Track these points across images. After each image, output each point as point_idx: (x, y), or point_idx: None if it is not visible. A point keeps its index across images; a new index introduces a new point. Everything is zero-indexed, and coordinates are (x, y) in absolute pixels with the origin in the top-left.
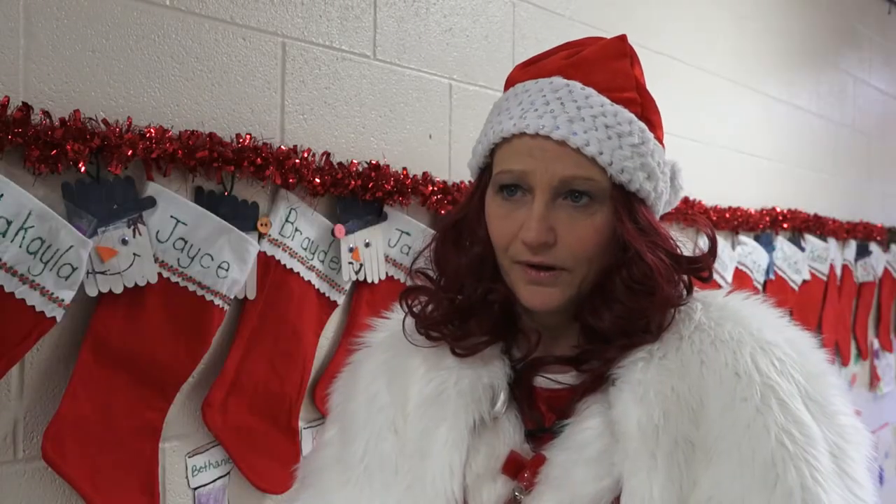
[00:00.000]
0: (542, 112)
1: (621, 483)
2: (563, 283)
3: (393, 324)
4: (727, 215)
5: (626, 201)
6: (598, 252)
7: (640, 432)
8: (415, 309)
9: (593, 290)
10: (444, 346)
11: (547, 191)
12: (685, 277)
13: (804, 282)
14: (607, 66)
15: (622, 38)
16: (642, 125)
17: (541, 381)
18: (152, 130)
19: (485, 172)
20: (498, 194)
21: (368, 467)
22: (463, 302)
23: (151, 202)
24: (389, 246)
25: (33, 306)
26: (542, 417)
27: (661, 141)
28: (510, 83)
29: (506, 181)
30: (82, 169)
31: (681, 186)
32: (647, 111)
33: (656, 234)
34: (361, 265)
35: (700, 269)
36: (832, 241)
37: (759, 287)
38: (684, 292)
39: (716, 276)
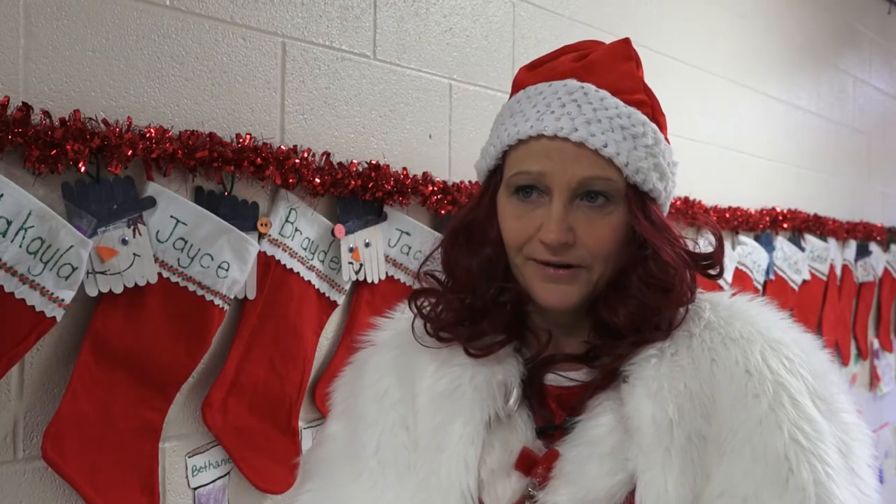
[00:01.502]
0: (559, 114)
1: (635, 478)
2: (581, 280)
3: (397, 323)
4: (727, 215)
5: (640, 201)
6: (616, 251)
7: (654, 427)
8: (424, 311)
9: (608, 286)
10: (453, 346)
11: (565, 192)
12: (689, 278)
13: (804, 282)
14: (616, 69)
15: (626, 42)
16: (654, 126)
17: (551, 379)
18: (152, 130)
19: (494, 174)
20: (513, 196)
21: (382, 461)
22: (475, 303)
23: (151, 202)
24: (389, 246)
25: (33, 306)
26: (551, 415)
27: (667, 141)
28: (518, 86)
29: (522, 182)
30: (82, 169)
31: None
32: (656, 112)
33: (670, 232)
34: (361, 265)
35: (712, 265)
36: (832, 241)
37: (759, 287)
38: (689, 293)
39: None
